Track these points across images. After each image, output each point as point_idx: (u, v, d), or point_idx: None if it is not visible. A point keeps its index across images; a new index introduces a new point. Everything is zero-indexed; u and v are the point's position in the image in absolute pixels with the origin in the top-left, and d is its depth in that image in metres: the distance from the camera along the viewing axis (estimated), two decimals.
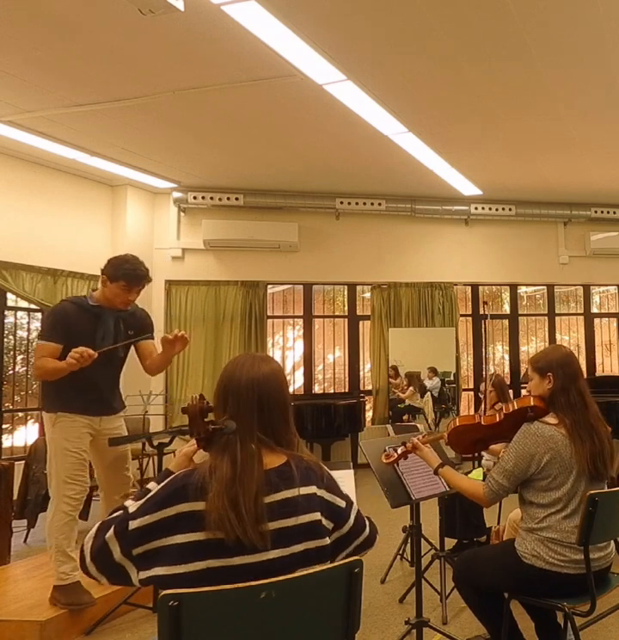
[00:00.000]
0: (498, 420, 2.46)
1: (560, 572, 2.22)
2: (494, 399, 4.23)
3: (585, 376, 2.47)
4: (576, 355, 2.46)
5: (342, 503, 1.52)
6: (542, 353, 2.51)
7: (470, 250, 8.11)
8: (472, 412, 8.23)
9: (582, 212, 8.09)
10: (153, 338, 3.43)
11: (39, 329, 3.27)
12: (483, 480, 2.93)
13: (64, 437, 3.08)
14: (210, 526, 1.30)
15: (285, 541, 1.37)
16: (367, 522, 1.60)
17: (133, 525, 1.34)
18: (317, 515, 1.43)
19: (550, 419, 2.30)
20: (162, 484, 1.39)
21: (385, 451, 2.76)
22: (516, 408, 2.42)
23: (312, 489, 1.45)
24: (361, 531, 1.56)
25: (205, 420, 1.45)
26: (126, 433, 3.39)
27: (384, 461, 2.66)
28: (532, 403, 2.37)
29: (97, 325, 3.18)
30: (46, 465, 3.16)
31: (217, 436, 1.42)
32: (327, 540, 1.45)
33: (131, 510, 1.37)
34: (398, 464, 2.68)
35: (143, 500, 1.37)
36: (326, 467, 1.55)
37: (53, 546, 3.04)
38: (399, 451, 2.61)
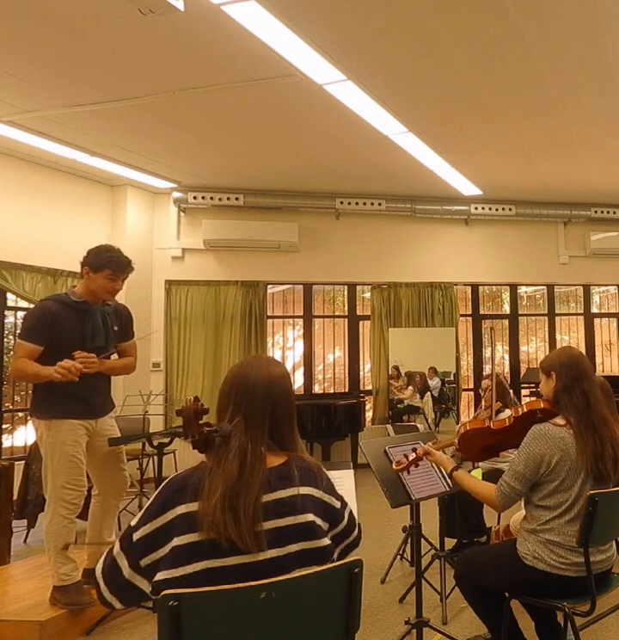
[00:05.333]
0: (508, 424, 2.46)
1: (561, 574, 2.22)
2: (494, 394, 4.19)
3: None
4: (585, 357, 2.45)
5: (337, 504, 1.53)
6: (550, 354, 2.56)
7: (470, 250, 8.12)
8: (472, 411, 8.24)
9: (582, 212, 8.09)
10: (134, 335, 3.40)
11: (20, 327, 3.18)
12: (483, 478, 2.94)
13: (62, 441, 3.02)
14: (203, 527, 1.30)
15: (281, 541, 1.37)
16: (357, 522, 1.62)
17: (137, 535, 1.35)
18: (311, 516, 1.42)
19: (559, 420, 2.31)
20: (159, 490, 1.40)
21: (388, 453, 2.75)
22: (525, 411, 2.42)
23: (310, 490, 1.46)
24: (352, 529, 1.59)
25: (200, 422, 1.45)
26: (119, 433, 3.35)
27: (395, 468, 2.63)
28: (541, 406, 2.38)
29: (85, 322, 3.10)
30: (42, 468, 3.10)
31: (211, 438, 1.42)
32: (327, 541, 1.44)
33: (132, 523, 1.38)
34: (409, 472, 2.65)
35: (142, 511, 1.38)
36: (324, 468, 1.56)
37: (52, 549, 3.02)
38: (410, 457, 2.58)
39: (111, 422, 3.32)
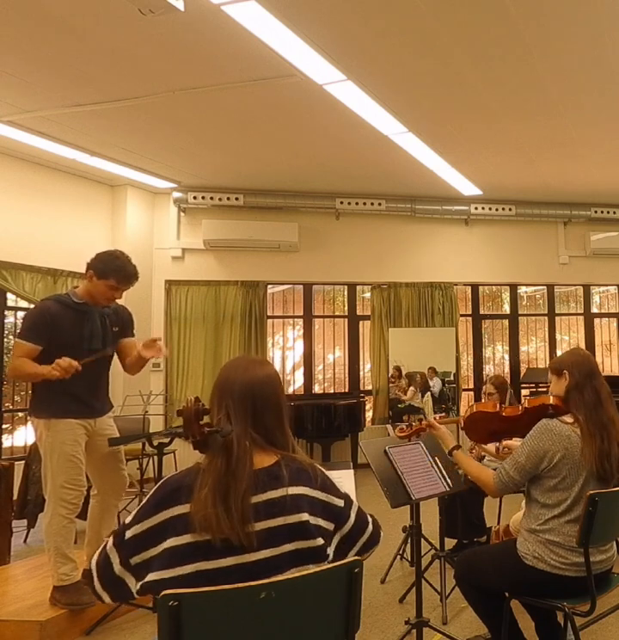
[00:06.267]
0: (518, 413, 2.48)
1: (562, 574, 2.22)
2: (497, 400, 4.20)
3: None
4: (593, 358, 2.51)
5: (340, 502, 1.51)
6: (559, 356, 2.59)
7: (470, 250, 8.11)
8: None
9: (582, 212, 8.09)
10: (134, 335, 3.38)
11: (20, 327, 3.17)
12: None
13: (61, 441, 3.02)
14: (195, 526, 1.30)
15: (274, 541, 1.36)
16: (370, 519, 1.59)
17: (129, 533, 1.35)
18: (305, 516, 1.41)
19: (567, 418, 2.32)
20: (153, 490, 1.40)
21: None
22: (537, 404, 2.44)
23: (302, 490, 1.44)
24: (364, 528, 1.56)
25: (200, 422, 1.45)
26: (117, 433, 3.34)
27: (398, 435, 2.67)
28: (552, 401, 2.39)
29: (84, 323, 3.09)
30: (41, 468, 3.10)
31: (212, 438, 1.42)
32: (321, 541, 1.42)
33: (127, 520, 1.38)
34: (411, 439, 2.68)
35: (137, 508, 1.39)
36: (321, 468, 1.54)
37: (52, 549, 3.02)
38: (414, 427, 2.62)
39: (110, 422, 3.32)
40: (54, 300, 3.11)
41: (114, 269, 3.06)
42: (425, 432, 2.66)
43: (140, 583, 1.34)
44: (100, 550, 1.41)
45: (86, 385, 3.10)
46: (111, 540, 1.38)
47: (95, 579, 1.39)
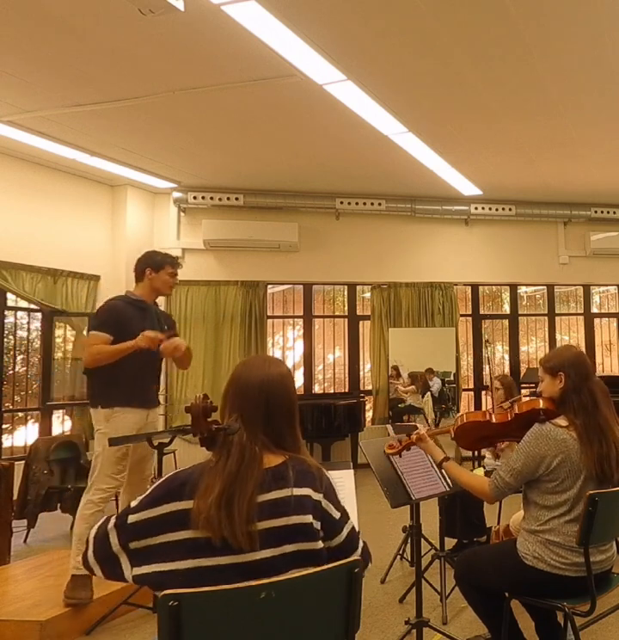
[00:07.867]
0: (508, 419, 2.45)
1: (561, 574, 2.21)
2: (502, 398, 4.19)
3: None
4: (586, 355, 2.44)
5: (336, 514, 1.48)
6: (553, 352, 2.50)
7: (470, 250, 8.11)
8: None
9: (582, 212, 8.09)
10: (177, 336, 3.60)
11: (91, 322, 3.50)
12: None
13: (120, 432, 3.13)
14: (197, 525, 1.31)
15: (276, 541, 1.36)
16: (361, 544, 1.53)
17: (132, 518, 1.35)
18: (309, 518, 1.40)
19: (561, 421, 2.27)
20: (161, 481, 1.40)
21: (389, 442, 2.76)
22: (527, 409, 2.40)
23: (307, 491, 1.43)
24: (351, 551, 1.49)
25: (209, 419, 1.45)
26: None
27: (387, 451, 2.65)
28: (542, 405, 2.34)
29: (146, 316, 3.38)
30: (93, 457, 3.23)
31: (219, 436, 1.42)
32: (321, 544, 1.42)
33: (133, 504, 1.39)
34: (401, 455, 2.67)
35: (143, 495, 1.39)
36: (327, 472, 1.53)
37: (76, 534, 3.10)
38: (403, 442, 2.61)
39: (156, 416, 3.51)
40: (119, 300, 3.41)
41: (164, 259, 3.43)
42: (414, 445, 2.62)
43: (138, 573, 1.34)
44: (100, 524, 1.41)
45: (145, 375, 3.32)
46: (113, 520, 1.39)
47: (90, 551, 1.40)
